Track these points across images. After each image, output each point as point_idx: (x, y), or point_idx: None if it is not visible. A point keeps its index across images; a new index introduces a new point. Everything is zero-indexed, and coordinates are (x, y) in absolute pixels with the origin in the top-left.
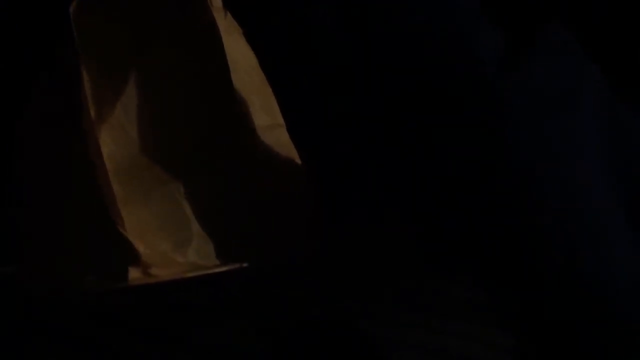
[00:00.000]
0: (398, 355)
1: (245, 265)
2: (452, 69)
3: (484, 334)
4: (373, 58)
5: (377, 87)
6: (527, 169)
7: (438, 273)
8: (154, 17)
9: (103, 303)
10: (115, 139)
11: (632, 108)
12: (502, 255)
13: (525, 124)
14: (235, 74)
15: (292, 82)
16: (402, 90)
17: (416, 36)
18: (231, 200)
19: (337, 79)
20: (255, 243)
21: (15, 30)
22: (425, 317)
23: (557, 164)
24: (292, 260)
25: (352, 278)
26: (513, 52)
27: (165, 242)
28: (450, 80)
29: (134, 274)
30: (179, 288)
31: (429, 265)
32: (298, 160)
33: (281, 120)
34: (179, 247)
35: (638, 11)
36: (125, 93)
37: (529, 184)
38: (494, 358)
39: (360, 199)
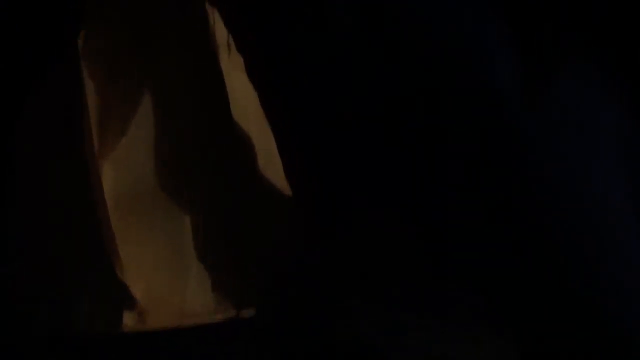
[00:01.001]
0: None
1: (246, 313)
2: (468, 99)
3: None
4: (384, 87)
5: (388, 117)
6: (549, 203)
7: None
8: (158, 47)
9: (95, 348)
10: (118, 170)
11: None
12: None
13: (547, 158)
14: (235, 109)
15: (288, 117)
16: (414, 117)
17: (430, 63)
18: (233, 237)
19: (345, 105)
20: (258, 284)
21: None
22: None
23: (580, 203)
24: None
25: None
26: (533, 80)
27: (164, 287)
28: (466, 111)
29: (129, 319)
30: (176, 336)
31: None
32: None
33: (279, 161)
34: (178, 292)
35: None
36: (128, 122)
37: (553, 222)
38: None
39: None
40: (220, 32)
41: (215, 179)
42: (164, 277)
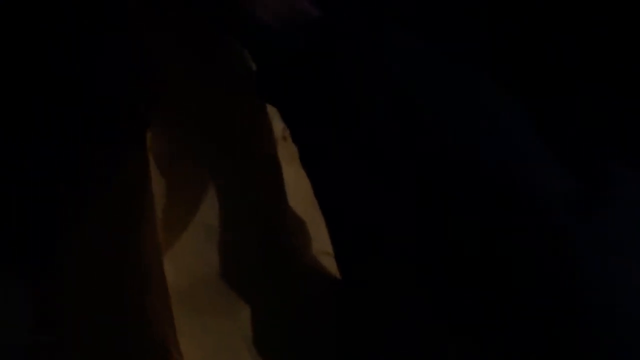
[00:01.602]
0: None
1: None
2: (517, 218)
3: None
4: (430, 203)
5: (434, 234)
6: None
7: None
8: (219, 137)
9: None
10: (178, 264)
11: None
12: None
13: (601, 286)
14: (292, 201)
15: (343, 213)
16: (460, 232)
17: (478, 178)
18: (284, 331)
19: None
20: None
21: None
22: None
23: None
24: None
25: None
26: (584, 198)
27: None
28: (515, 230)
29: None
30: None
31: None
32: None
33: (331, 250)
34: None
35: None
36: (189, 215)
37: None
38: None
39: None
40: (277, 124)
41: (269, 269)
42: None
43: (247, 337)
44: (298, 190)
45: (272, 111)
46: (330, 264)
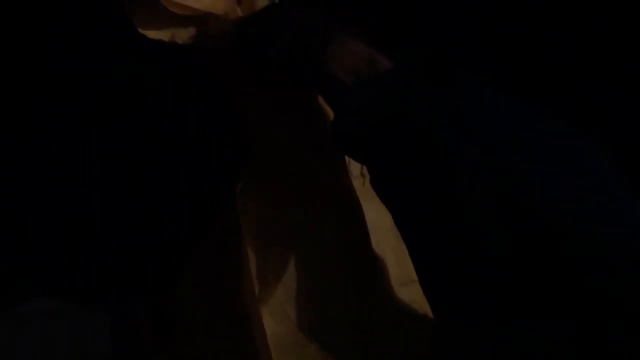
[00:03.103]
0: None
1: None
2: (605, 264)
3: None
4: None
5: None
6: None
7: None
8: (304, 186)
9: None
10: (276, 318)
11: None
12: None
13: None
14: (373, 234)
15: (425, 241)
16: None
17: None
18: None
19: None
20: None
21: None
22: None
23: None
24: None
25: None
26: None
27: None
28: (603, 275)
29: None
30: None
31: None
32: (430, 316)
33: (415, 276)
34: None
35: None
36: (283, 265)
37: None
38: None
39: None
40: (354, 164)
41: (356, 311)
42: None
43: None
44: (381, 222)
45: None
46: (417, 292)
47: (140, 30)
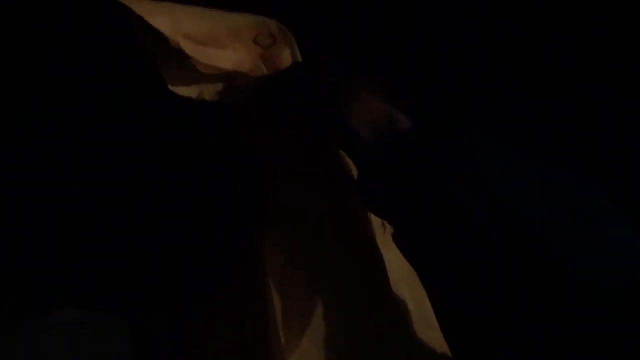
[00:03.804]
0: None
1: None
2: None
3: None
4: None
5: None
6: None
7: None
8: (326, 234)
9: None
10: None
11: None
12: None
13: None
14: (393, 281)
15: (443, 293)
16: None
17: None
18: None
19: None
20: None
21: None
22: None
23: None
24: None
25: None
26: None
27: None
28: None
29: None
30: None
31: None
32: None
33: (435, 322)
34: None
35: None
36: (308, 314)
37: None
38: None
39: None
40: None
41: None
42: None
43: None
44: (401, 270)
45: None
46: (438, 337)
47: (170, 87)
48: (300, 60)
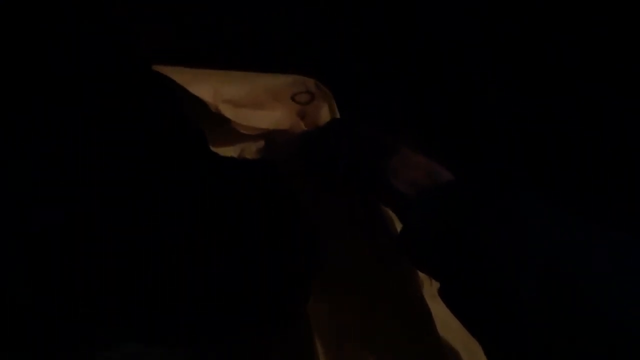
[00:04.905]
0: None
1: None
2: None
3: None
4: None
5: None
6: None
7: None
8: (373, 291)
9: None
10: None
11: None
12: None
13: None
14: (445, 335)
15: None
16: None
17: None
18: None
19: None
20: None
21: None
22: None
23: None
24: None
25: None
26: None
27: None
28: None
29: None
30: None
31: None
32: None
33: None
34: None
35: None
36: None
37: None
38: None
39: None
40: None
41: None
42: None
43: None
44: (453, 320)
45: None
46: None
47: (213, 149)
48: (339, 116)
